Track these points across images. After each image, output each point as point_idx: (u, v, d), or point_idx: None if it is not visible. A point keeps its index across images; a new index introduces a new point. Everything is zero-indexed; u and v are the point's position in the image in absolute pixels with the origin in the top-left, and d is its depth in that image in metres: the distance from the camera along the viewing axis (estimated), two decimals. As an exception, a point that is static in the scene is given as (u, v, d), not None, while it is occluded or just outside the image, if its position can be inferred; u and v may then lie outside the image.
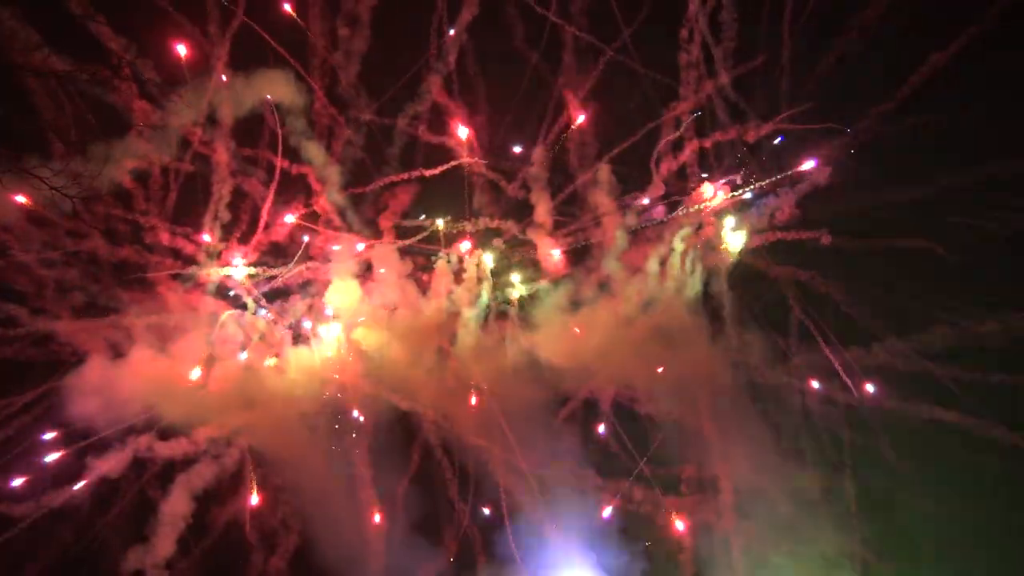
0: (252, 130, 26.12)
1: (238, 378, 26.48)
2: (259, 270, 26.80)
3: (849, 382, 29.73)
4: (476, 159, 28.21)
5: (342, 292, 26.75)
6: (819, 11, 27.69)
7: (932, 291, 28.59)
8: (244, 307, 26.91)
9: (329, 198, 26.65)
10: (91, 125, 22.51)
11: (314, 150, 26.38)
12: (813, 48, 28.34)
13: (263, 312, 27.25)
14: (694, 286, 30.31)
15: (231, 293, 26.97)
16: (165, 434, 25.46)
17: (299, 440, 27.88)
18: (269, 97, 25.31)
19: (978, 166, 27.00)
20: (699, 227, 30.31)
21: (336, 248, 26.96)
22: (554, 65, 28.05)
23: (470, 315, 28.90)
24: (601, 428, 31.41)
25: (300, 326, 27.94)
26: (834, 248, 29.99)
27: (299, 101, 25.58)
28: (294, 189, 26.83)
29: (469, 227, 29.33)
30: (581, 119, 27.91)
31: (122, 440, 24.33)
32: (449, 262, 29.12)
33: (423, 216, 28.72)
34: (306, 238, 26.99)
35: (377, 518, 29.06)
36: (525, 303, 30.01)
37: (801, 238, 30.34)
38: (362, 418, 28.48)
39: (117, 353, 24.41)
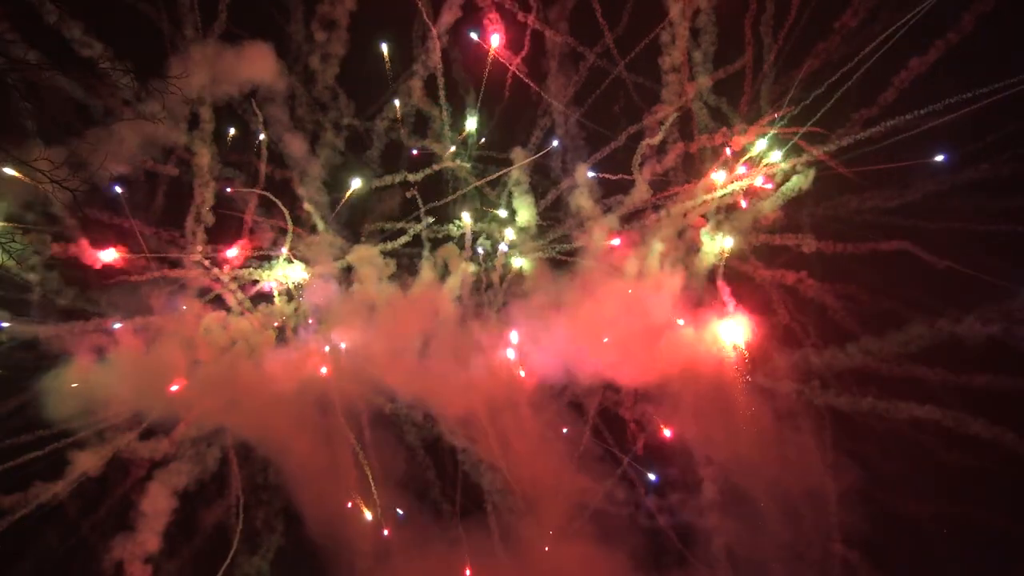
0: (237, 138, 26.37)
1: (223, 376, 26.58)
2: (243, 272, 27.04)
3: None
4: (459, 163, 28.49)
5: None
6: (800, 16, 27.97)
7: (912, 291, 29.07)
8: (228, 309, 27.14)
9: (311, 202, 26.86)
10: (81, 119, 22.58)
11: (297, 154, 26.57)
12: (796, 52, 28.65)
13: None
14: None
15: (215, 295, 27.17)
16: (149, 434, 25.72)
17: (287, 435, 28.00)
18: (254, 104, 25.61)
19: (957, 169, 27.61)
20: (682, 231, 30.49)
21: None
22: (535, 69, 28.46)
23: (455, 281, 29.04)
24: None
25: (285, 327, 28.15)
26: (817, 250, 30.47)
27: (282, 83, 25.66)
28: (278, 194, 27.04)
29: (454, 230, 29.66)
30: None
31: (103, 438, 24.57)
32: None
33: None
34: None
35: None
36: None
37: (786, 244, 30.69)
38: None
39: (101, 356, 24.61)
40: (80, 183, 15.05)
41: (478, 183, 28.77)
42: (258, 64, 24.61)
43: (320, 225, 27.12)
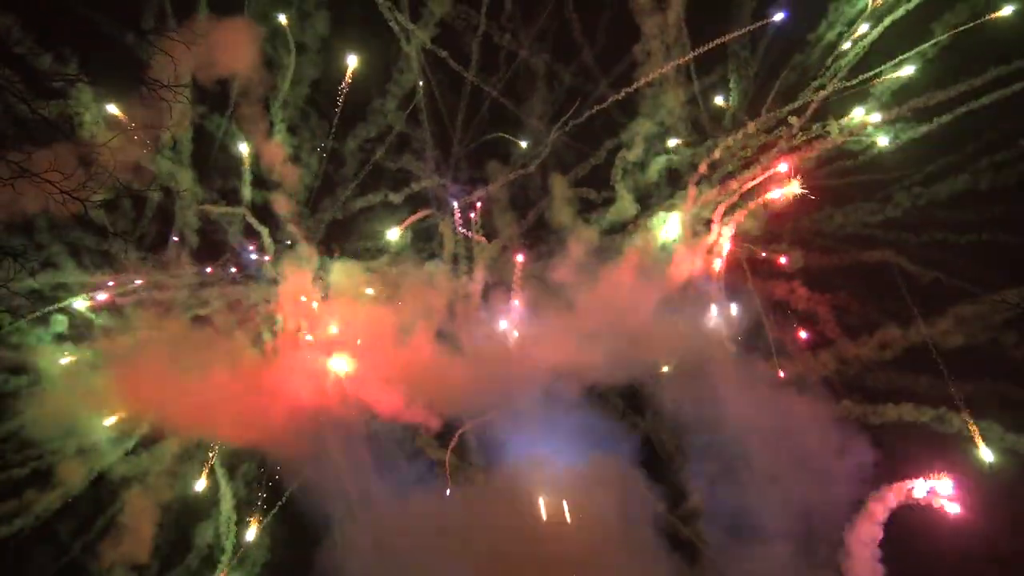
0: (221, 162, 26.95)
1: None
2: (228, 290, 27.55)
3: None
4: (441, 182, 28.90)
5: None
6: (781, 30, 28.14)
7: (892, 299, 29.27)
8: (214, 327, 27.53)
9: (294, 223, 27.36)
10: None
11: (279, 175, 27.06)
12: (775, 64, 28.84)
13: None
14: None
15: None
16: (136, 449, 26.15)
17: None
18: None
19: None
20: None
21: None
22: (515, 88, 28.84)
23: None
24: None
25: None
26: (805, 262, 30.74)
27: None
28: (263, 213, 27.58)
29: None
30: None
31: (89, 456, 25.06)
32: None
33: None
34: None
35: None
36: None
37: (772, 258, 30.89)
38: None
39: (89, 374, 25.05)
40: (90, 194, 15.16)
41: (459, 201, 29.14)
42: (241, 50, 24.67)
43: (302, 245, 27.58)
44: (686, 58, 27.78)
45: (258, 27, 25.19)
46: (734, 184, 29.11)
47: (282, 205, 26.75)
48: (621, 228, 30.28)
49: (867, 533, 28.71)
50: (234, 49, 24.40)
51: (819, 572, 29.35)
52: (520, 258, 30.06)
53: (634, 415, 32.40)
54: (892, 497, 28.39)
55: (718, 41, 27.46)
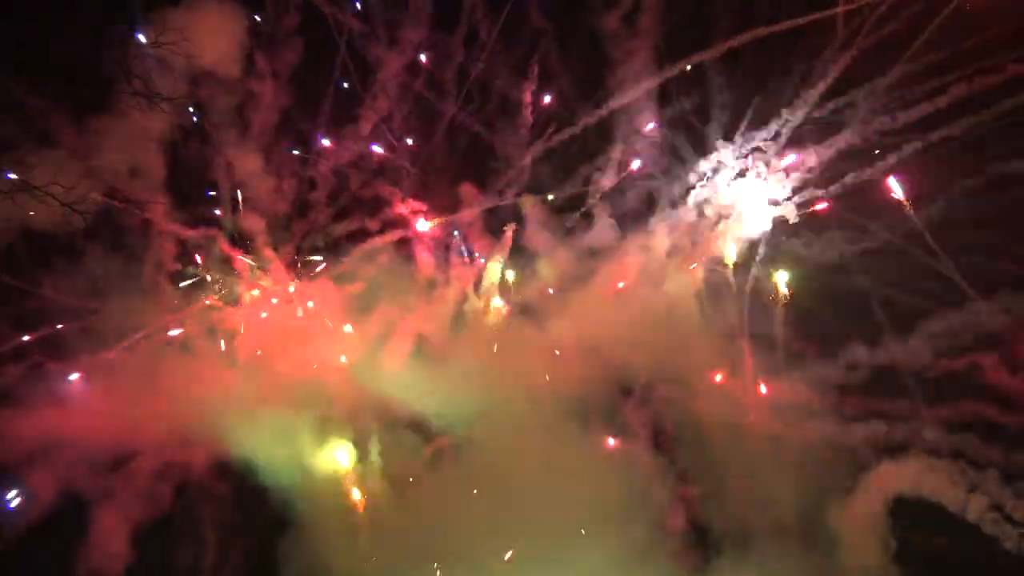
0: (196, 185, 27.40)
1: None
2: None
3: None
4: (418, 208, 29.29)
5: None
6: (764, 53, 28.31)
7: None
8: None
9: (269, 246, 27.82)
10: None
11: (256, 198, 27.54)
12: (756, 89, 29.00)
13: None
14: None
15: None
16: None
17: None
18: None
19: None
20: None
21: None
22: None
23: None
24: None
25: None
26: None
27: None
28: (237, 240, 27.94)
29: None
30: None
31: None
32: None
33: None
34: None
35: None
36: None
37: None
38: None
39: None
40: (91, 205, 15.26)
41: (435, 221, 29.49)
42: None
43: (277, 268, 27.99)
44: (660, 79, 28.15)
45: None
46: (709, 208, 29.38)
47: (257, 228, 27.25)
48: (598, 252, 30.46)
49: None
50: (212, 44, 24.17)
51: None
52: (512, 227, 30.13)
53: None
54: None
55: (692, 60, 27.83)
